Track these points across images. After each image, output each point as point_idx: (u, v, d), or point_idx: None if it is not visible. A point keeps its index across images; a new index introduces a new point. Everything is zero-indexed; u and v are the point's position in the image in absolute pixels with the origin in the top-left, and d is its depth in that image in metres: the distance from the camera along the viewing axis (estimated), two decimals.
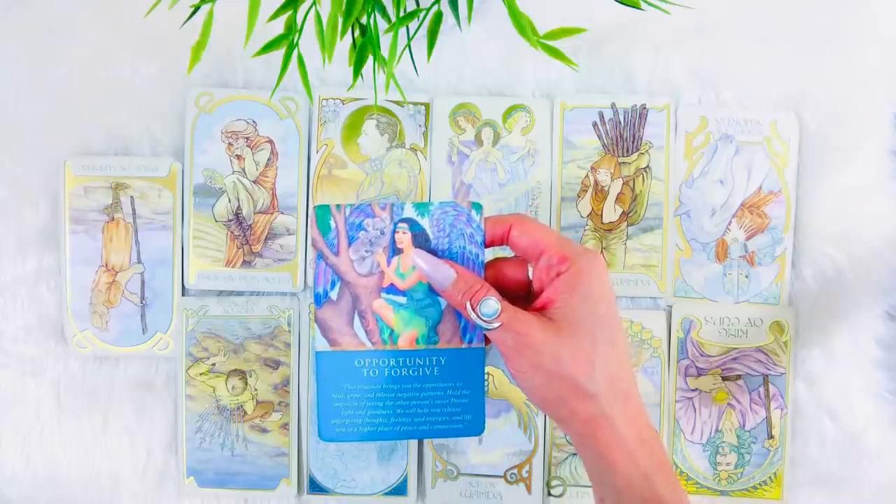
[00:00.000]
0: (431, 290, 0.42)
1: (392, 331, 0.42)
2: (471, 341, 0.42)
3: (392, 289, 0.42)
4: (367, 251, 0.42)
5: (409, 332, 0.42)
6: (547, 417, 0.57)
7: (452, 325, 0.42)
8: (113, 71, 0.56)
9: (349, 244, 0.42)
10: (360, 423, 0.42)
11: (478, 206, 0.42)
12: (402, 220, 0.42)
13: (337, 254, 0.42)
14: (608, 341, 0.39)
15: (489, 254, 0.43)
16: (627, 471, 0.38)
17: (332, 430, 0.42)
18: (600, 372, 0.38)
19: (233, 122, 0.57)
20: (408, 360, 0.42)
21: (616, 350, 0.39)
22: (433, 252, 0.42)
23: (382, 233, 0.42)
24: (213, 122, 0.57)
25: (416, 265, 0.42)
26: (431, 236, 0.42)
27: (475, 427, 0.43)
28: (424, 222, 0.42)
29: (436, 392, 0.42)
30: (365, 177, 0.57)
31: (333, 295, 0.43)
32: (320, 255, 0.42)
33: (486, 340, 0.43)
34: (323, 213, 0.42)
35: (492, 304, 0.39)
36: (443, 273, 0.41)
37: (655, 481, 0.38)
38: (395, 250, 0.42)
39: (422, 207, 0.42)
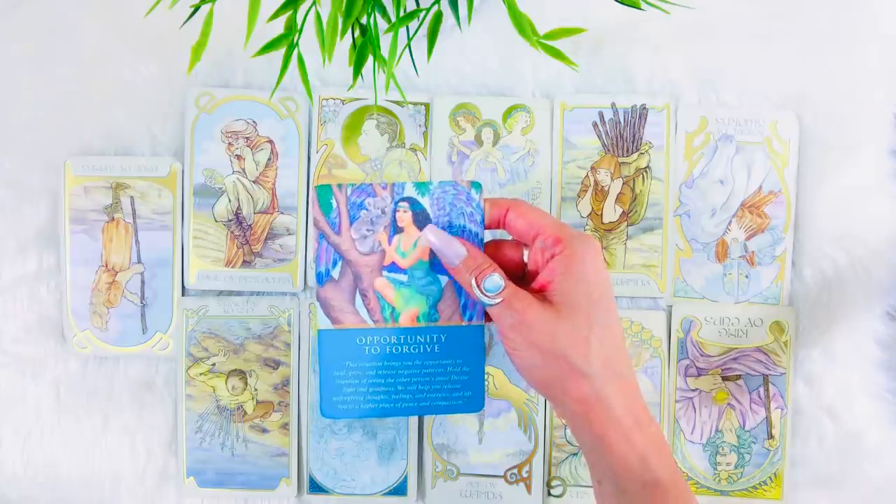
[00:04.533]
0: (432, 269, 0.43)
1: (393, 309, 0.43)
2: (471, 319, 0.43)
3: (393, 267, 0.43)
4: (368, 230, 0.43)
5: (409, 310, 0.43)
6: (547, 417, 0.57)
7: (453, 302, 0.43)
8: (113, 71, 0.56)
9: (350, 223, 0.43)
10: (361, 400, 0.43)
11: (477, 186, 0.43)
12: (403, 199, 0.43)
13: (338, 233, 0.43)
14: (603, 323, 0.39)
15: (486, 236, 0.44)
16: (623, 452, 0.38)
17: (333, 407, 0.43)
18: (595, 352, 0.39)
19: (233, 122, 0.57)
20: (409, 337, 0.43)
21: (611, 331, 0.40)
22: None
23: (383, 212, 0.43)
24: (213, 122, 0.57)
25: (428, 241, 0.42)
26: (432, 215, 0.43)
27: (475, 403, 0.44)
28: (425, 201, 0.43)
29: (436, 369, 0.43)
30: (365, 177, 0.57)
31: (335, 274, 0.43)
32: (322, 235, 0.43)
33: (487, 318, 0.44)
34: (324, 192, 0.43)
35: (496, 279, 0.39)
36: (454, 250, 0.41)
37: (652, 463, 0.38)
38: (396, 229, 0.43)
39: (422, 187, 0.43)
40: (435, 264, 0.43)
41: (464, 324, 0.43)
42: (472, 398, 0.44)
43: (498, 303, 0.39)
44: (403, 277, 0.43)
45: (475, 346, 0.43)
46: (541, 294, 0.40)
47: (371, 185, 0.43)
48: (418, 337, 0.43)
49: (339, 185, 0.43)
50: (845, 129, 0.57)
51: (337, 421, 0.57)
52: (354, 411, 0.43)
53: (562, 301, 0.39)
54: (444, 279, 0.43)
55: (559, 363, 0.39)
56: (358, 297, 0.43)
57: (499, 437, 0.57)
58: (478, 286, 0.40)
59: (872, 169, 0.57)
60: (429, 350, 0.43)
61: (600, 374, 0.39)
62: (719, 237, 0.57)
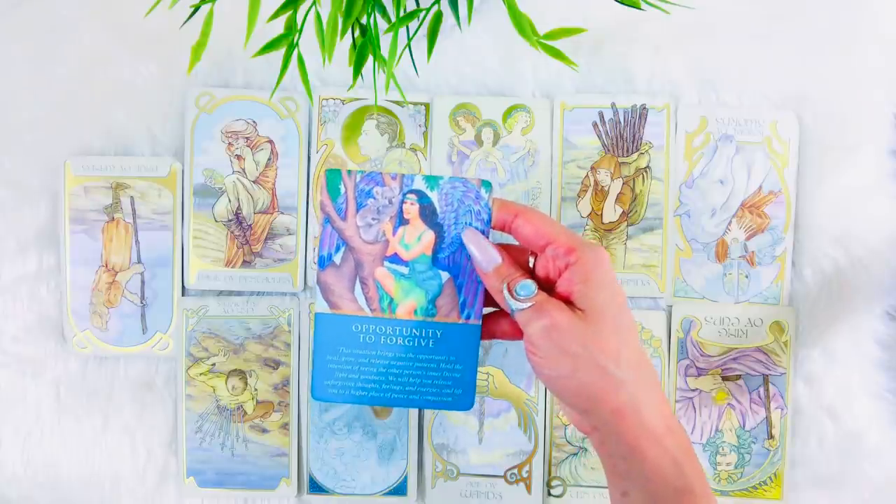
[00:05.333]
0: (434, 263, 0.43)
1: (392, 299, 0.43)
2: (468, 317, 0.43)
3: (395, 258, 0.43)
4: (373, 219, 0.43)
5: (408, 303, 0.43)
6: (547, 417, 0.57)
7: (451, 299, 0.43)
8: (113, 71, 0.56)
9: (357, 210, 0.43)
10: (352, 387, 0.43)
11: (487, 185, 0.43)
12: (411, 192, 0.43)
13: (344, 218, 0.43)
14: (628, 327, 0.40)
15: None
16: (657, 459, 0.38)
17: (325, 390, 0.43)
18: (626, 358, 0.38)
19: (233, 121, 0.57)
20: (404, 329, 0.43)
21: (634, 336, 0.40)
22: (440, 225, 0.43)
23: (391, 202, 0.43)
24: (213, 122, 0.57)
25: (465, 244, 0.42)
26: (439, 210, 0.43)
27: (464, 402, 0.44)
28: (433, 195, 0.43)
29: (429, 364, 0.43)
30: None
31: (337, 259, 0.43)
32: (327, 219, 0.43)
33: (499, 335, 0.44)
34: (333, 177, 0.43)
35: (529, 283, 0.40)
36: (489, 257, 0.41)
37: (685, 469, 0.38)
38: (401, 220, 0.43)
39: (431, 180, 0.43)
40: (437, 259, 0.43)
41: (461, 322, 0.43)
42: (462, 396, 0.44)
43: (528, 307, 0.39)
44: (404, 269, 0.43)
45: (470, 344, 0.43)
46: (566, 303, 0.40)
47: (381, 174, 0.43)
48: (414, 330, 0.43)
49: (349, 172, 0.43)
50: (845, 129, 0.57)
51: (337, 421, 0.57)
52: (344, 396, 0.43)
53: (588, 307, 0.39)
54: (444, 275, 0.43)
55: (591, 370, 0.38)
56: (358, 285, 0.43)
57: (499, 437, 0.57)
58: (509, 291, 0.40)
59: (872, 169, 0.57)
60: (423, 344, 0.43)
61: (632, 380, 0.38)
62: (719, 237, 0.57)
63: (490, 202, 0.43)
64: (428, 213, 0.43)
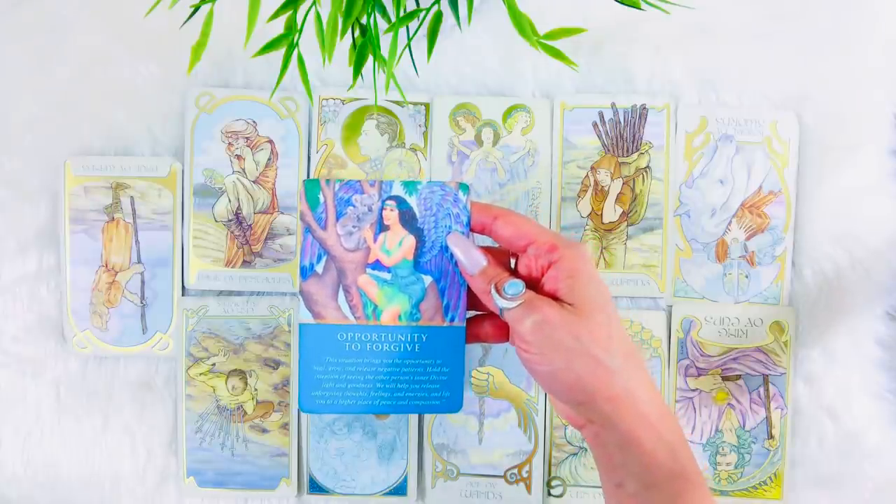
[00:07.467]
0: (416, 268, 0.43)
1: (375, 306, 0.43)
2: (452, 320, 0.44)
3: (377, 265, 0.43)
4: (354, 227, 0.43)
5: (392, 309, 0.43)
6: (547, 417, 0.57)
7: (435, 302, 0.43)
8: (113, 71, 0.56)
9: (337, 219, 0.43)
10: (340, 396, 0.43)
11: (464, 187, 0.43)
12: (390, 198, 0.43)
13: (324, 228, 0.43)
14: (616, 318, 0.40)
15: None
16: (654, 445, 0.38)
17: (312, 401, 0.43)
18: (616, 348, 0.39)
19: (233, 122, 0.57)
20: (390, 335, 0.43)
21: (621, 326, 0.40)
22: (420, 230, 0.43)
23: (370, 209, 0.43)
24: (214, 122, 0.57)
25: (450, 248, 0.43)
26: (418, 214, 0.43)
27: (453, 404, 0.44)
28: (412, 200, 0.43)
29: (416, 368, 0.43)
30: (365, 177, 0.57)
31: (319, 268, 0.43)
32: (308, 229, 0.43)
33: (487, 337, 0.44)
34: (312, 187, 0.43)
35: (517, 283, 0.40)
36: (473, 259, 0.42)
37: (680, 453, 0.38)
38: (382, 227, 0.43)
39: (410, 186, 0.43)
40: (419, 264, 0.43)
41: (445, 324, 0.43)
42: (450, 398, 0.44)
43: (518, 304, 0.39)
44: (387, 275, 0.43)
45: (455, 346, 0.44)
46: (552, 299, 0.40)
47: (359, 182, 0.43)
48: (399, 335, 0.43)
49: (328, 181, 0.43)
50: (845, 129, 0.57)
51: (337, 421, 0.57)
52: (333, 407, 0.43)
53: (577, 301, 0.39)
54: (427, 279, 0.43)
55: (585, 361, 0.38)
56: (341, 293, 0.43)
57: (499, 437, 0.57)
58: (497, 291, 0.40)
59: (872, 169, 0.57)
60: (409, 349, 0.43)
61: (625, 369, 0.39)
62: (719, 237, 0.57)
63: (468, 205, 0.43)
64: (408, 219, 0.43)
